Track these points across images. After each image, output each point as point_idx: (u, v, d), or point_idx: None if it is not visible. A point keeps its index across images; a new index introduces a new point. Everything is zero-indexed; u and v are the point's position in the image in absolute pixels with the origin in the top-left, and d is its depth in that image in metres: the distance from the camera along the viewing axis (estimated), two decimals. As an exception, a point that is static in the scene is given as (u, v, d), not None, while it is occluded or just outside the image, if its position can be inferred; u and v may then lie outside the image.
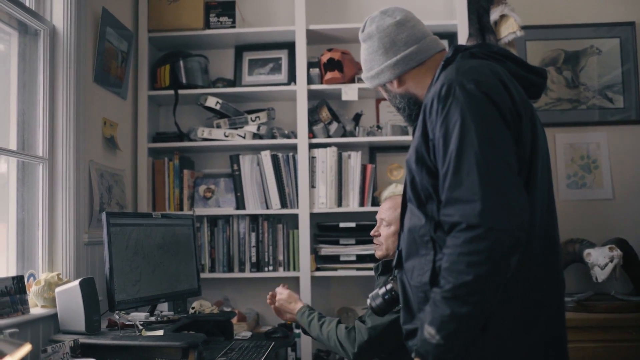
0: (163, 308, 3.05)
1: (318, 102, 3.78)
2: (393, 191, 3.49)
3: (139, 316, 2.76)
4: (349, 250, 3.57)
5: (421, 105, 1.84)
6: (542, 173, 1.63)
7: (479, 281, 1.42)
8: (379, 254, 2.62)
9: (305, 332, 2.66)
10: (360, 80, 3.69)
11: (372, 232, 2.65)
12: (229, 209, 3.69)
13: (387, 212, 2.59)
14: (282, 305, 2.73)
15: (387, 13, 1.88)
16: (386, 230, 2.57)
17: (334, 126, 3.65)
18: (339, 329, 2.43)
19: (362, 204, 3.61)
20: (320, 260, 3.62)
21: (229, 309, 3.43)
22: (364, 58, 1.94)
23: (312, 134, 3.65)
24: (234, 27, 3.75)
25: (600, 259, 3.28)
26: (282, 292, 2.74)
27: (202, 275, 3.48)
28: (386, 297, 2.05)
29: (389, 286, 2.04)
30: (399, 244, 1.79)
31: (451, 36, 3.73)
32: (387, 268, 2.58)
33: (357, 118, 3.76)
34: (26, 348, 1.42)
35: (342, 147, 3.68)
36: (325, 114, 3.70)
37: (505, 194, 1.43)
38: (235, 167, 3.69)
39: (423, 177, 1.62)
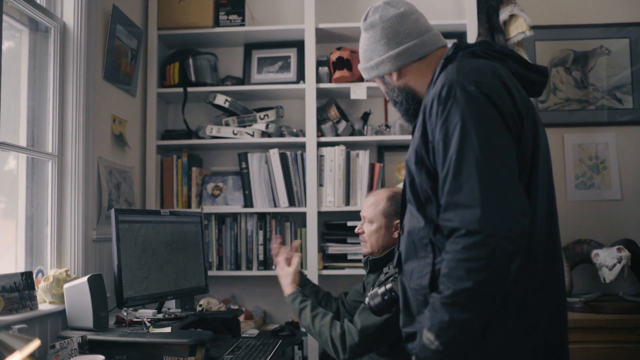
0: (170, 305, 3.06)
1: (327, 101, 3.78)
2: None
3: (146, 313, 2.77)
4: (356, 249, 3.56)
5: (419, 100, 1.83)
6: (543, 176, 1.61)
7: (478, 288, 1.40)
8: (364, 251, 2.61)
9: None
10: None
11: (356, 230, 2.64)
12: (236, 207, 3.69)
13: (368, 209, 2.57)
14: (279, 277, 2.72)
15: (392, 4, 1.85)
16: (369, 227, 2.55)
17: (342, 125, 3.65)
18: (334, 327, 2.36)
19: (369, 203, 3.60)
20: (328, 259, 3.63)
21: (236, 307, 3.43)
22: (364, 47, 1.90)
23: (320, 133, 3.65)
24: (243, 25, 3.75)
25: (608, 260, 3.27)
26: (283, 268, 2.72)
27: (210, 273, 3.49)
28: (385, 297, 2.03)
29: (388, 286, 2.02)
30: (399, 244, 1.78)
31: (460, 36, 3.72)
32: (374, 266, 2.57)
33: (365, 117, 3.76)
34: (35, 344, 1.43)
35: (350, 146, 3.68)
36: (333, 112, 3.70)
37: (505, 199, 1.42)
38: (244, 165, 3.69)
39: (422, 178, 1.60)
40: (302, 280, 2.80)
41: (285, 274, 2.69)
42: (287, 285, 2.66)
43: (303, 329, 3.45)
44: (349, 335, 2.31)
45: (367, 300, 2.08)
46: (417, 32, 1.82)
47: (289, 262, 2.74)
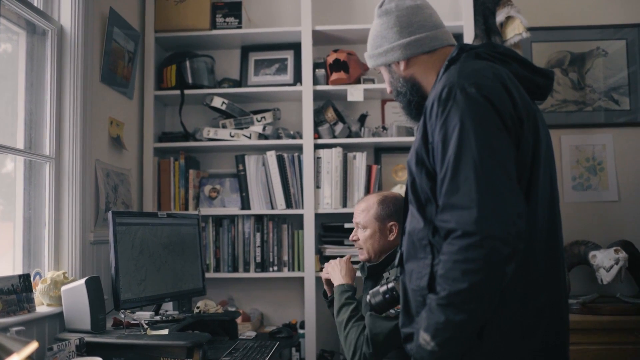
0: (168, 307, 3.06)
1: (324, 103, 3.78)
2: (398, 192, 3.49)
3: (144, 315, 2.77)
4: (354, 250, 3.55)
5: (423, 94, 1.83)
6: (545, 179, 1.61)
7: (473, 289, 1.40)
8: (361, 257, 2.59)
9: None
10: (366, 81, 3.70)
11: (350, 238, 2.63)
12: (234, 209, 3.70)
13: (360, 215, 2.57)
14: (330, 268, 2.64)
15: None
16: (363, 233, 2.55)
17: (339, 127, 3.65)
18: (359, 336, 2.36)
19: (367, 204, 3.61)
20: (325, 261, 3.61)
21: (233, 309, 3.43)
22: (374, 34, 1.90)
23: (317, 135, 3.65)
24: (240, 27, 3.76)
25: (606, 261, 3.27)
26: (340, 261, 2.65)
27: (207, 275, 3.49)
28: (387, 295, 2.04)
29: (390, 285, 2.03)
30: (401, 244, 1.79)
31: (457, 37, 3.70)
32: (372, 272, 2.56)
33: (362, 119, 3.76)
34: (32, 346, 1.43)
35: (347, 148, 3.68)
36: (330, 114, 3.71)
37: (502, 201, 1.42)
38: (241, 167, 3.69)
39: (422, 179, 1.60)
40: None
41: (345, 261, 2.64)
42: (341, 277, 2.58)
43: (302, 331, 3.46)
44: (365, 344, 2.32)
45: (368, 297, 2.08)
46: (430, 26, 1.84)
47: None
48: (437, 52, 1.83)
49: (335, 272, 2.62)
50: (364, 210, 2.56)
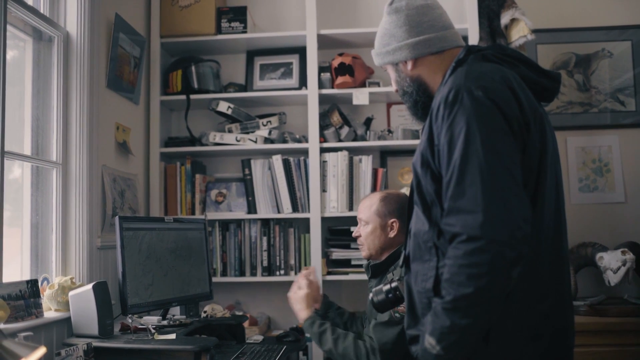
0: (175, 312, 3.07)
1: (329, 107, 3.78)
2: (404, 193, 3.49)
3: (151, 320, 2.78)
4: (360, 254, 3.56)
5: (429, 94, 1.82)
6: (551, 183, 1.61)
7: (479, 293, 1.41)
8: (363, 254, 2.63)
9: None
10: (371, 84, 3.70)
11: (353, 234, 2.66)
12: (240, 213, 3.70)
13: (363, 211, 2.60)
14: (291, 302, 2.66)
15: None
16: (365, 229, 2.57)
17: (345, 130, 3.66)
18: (357, 348, 2.34)
19: (373, 208, 3.60)
20: (332, 264, 3.63)
21: (240, 313, 3.43)
22: (382, 32, 1.88)
23: (323, 138, 3.66)
24: (245, 32, 3.76)
25: (613, 263, 3.27)
26: (295, 292, 2.66)
27: (214, 279, 3.49)
28: (390, 295, 2.04)
29: (394, 284, 2.04)
30: (406, 245, 1.79)
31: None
32: (376, 271, 2.58)
33: (368, 122, 3.76)
34: (41, 351, 1.44)
35: (353, 151, 3.69)
36: (336, 118, 3.71)
37: (508, 205, 1.41)
38: (247, 172, 3.70)
39: (427, 181, 1.61)
40: (326, 303, 2.79)
41: (297, 298, 2.64)
42: (302, 310, 2.60)
43: (309, 335, 3.46)
44: (372, 354, 2.31)
45: (370, 295, 2.09)
46: (440, 26, 1.82)
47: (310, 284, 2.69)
48: (445, 53, 1.82)
49: (297, 307, 2.63)
50: (366, 207, 2.60)
